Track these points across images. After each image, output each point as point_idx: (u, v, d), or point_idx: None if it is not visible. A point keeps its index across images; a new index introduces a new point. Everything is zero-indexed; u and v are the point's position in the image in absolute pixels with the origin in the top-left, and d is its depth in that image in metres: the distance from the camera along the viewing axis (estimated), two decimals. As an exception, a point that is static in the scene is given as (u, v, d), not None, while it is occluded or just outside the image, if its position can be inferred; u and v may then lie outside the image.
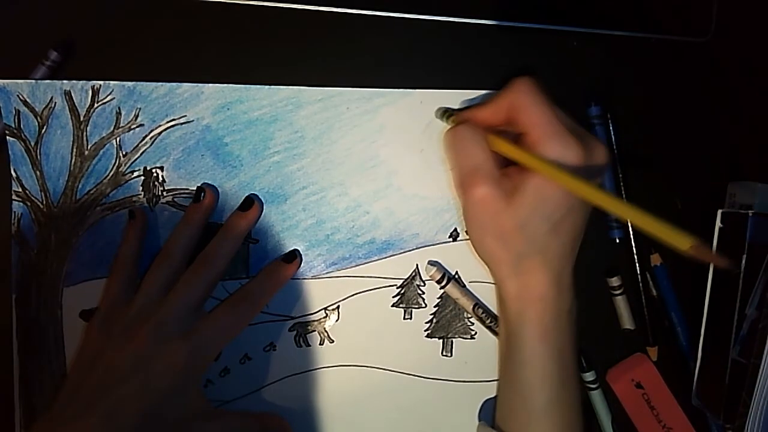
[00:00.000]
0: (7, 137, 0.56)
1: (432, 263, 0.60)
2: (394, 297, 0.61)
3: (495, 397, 0.61)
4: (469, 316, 0.61)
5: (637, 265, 0.61)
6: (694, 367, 0.60)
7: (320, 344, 0.60)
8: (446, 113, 0.58)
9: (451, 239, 0.60)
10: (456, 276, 0.61)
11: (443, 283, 0.60)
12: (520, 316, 0.53)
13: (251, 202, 0.57)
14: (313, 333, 0.60)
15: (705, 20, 0.61)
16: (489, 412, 0.61)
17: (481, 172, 0.52)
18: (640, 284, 0.61)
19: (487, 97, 0.59)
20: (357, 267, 0.60)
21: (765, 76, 0.62)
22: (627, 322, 0.62)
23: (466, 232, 0.60)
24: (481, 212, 0.52)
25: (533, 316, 0.53)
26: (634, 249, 0.61)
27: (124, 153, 0.57)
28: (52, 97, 0.56)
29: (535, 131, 0.50)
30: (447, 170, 0.60)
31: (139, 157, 0.57)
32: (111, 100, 0.57)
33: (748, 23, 0.61)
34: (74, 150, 0.57)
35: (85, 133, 0.57)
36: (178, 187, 0.58)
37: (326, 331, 0.60)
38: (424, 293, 0.61)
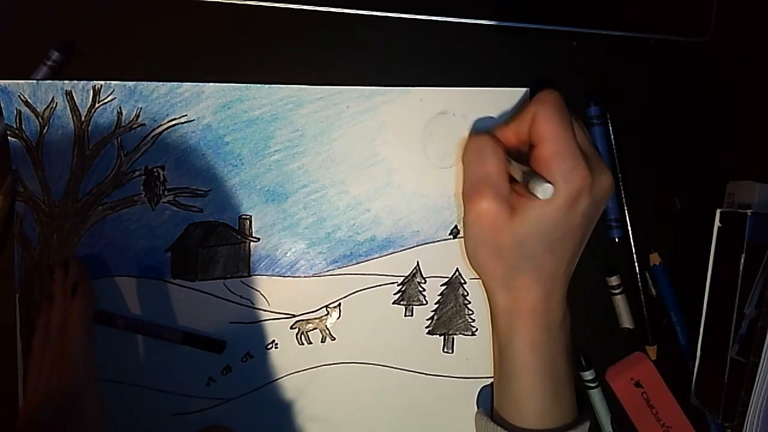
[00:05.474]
0: (9, 137, 0.56)
1: None
2: (395, 294, 0.61)
3: (492, 384, 0.61)
4: (470, 313, 0.61)
5: (636, 264, 0.61)
6: (693, 366, 0.60)
7: (322, 342, 0.60)
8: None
9: (451, 236, 0.61)
10: (456, 273, 0.61)
11: None
12: (510, 328, 0.54)
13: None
14: (315, 330, 0.60)
15: (705, 20, 0.61)
16: (486, 399, 0.62)
17: (490, 185, 0.52)
18: (639, 283, 0.62)
19: (486, 94, 0.59)
20: (358, 264, 0.60)
21: (764, 76, 0.62)
22: (626, 321, 0.62)
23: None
24: (481, 224, 0.52)
25: (523, 328, 0.53)
26: (633, 248, 0.61)
27: (125, 152, 0.57)
28: (53, 97, 0.56)
29: (546, 145, 0.50)
30: (451, 169, 0.60)
31: (140, 156, 0.58)
32: (112, 99, 0.57)
33: (748, 23, 0.61)
34: (75, 150, 0.57)
35: (86, 133, 0.57)
36: (180, 186, 0.58)
37: (328, 329, 0.60)
38: (425, 290, 0.61)
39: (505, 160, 0.53)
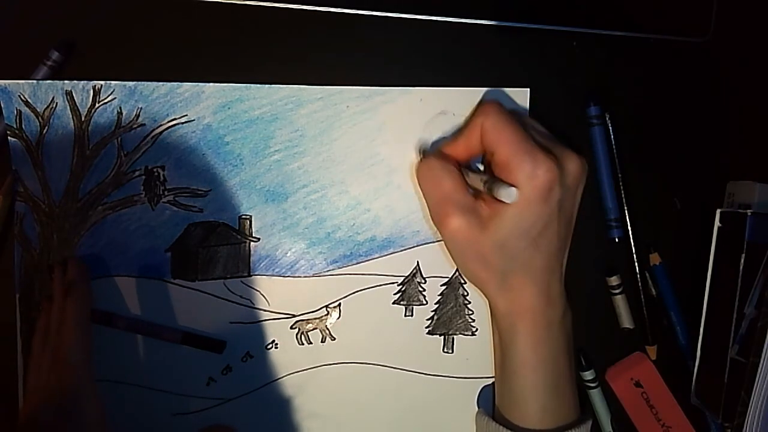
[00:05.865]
0: (9, 137, 0.56)
1: None
2: (395, 294, 0.61)
3: (493, 383, 0.61)
4: (470, 313, 0.61)
5: (636, 264, 0.61)
6: (693, 366, 0.60)
7: (322, 342, 0.60)
8: (422, 151, 0.59)
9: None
10: (456, 273, 0.61)
11: None
12: (511, 328, 0.54)
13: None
14: (315, 330, 0.60)
15: (705, 20, 0.61)
16: (487, 399, 0.62)
17: (453, 203, 0.52)
18: (639, 283, 0.62)
19: (486, 94, 0.59)
20: (358, 264, 0.60)
21: (764, 76, 0.62)
22: (626, 321, 0.62)
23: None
24: (458, 241, 0.53)
25: (523, 328, 0.53)
26: (633, 248, 0.61)
27: (125, 152, 0.57)
28: (53, 97, 0.56)
29: (503, 151, 0.50)
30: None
31: (140, 156, 0.58)
32: (112, 99, 0.57)
33: (748, 23, 0.61)
34: (76, 150, 0.57)
35: (86, 133, 0.57)
36: (180, 186, 0.58)
37: (328, 329, 0.60)
38: (425, 290, 0.61)
39: (459, 176, 0.53)
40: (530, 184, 0.49)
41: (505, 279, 0.53)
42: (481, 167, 0.58)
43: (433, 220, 0.55)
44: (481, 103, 0.54)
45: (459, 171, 0.54)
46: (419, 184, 0.57)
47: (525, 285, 0.52)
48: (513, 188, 0.48)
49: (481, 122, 0.51)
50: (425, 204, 0.59)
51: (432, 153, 0.57)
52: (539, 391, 0.54)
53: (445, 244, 0.55)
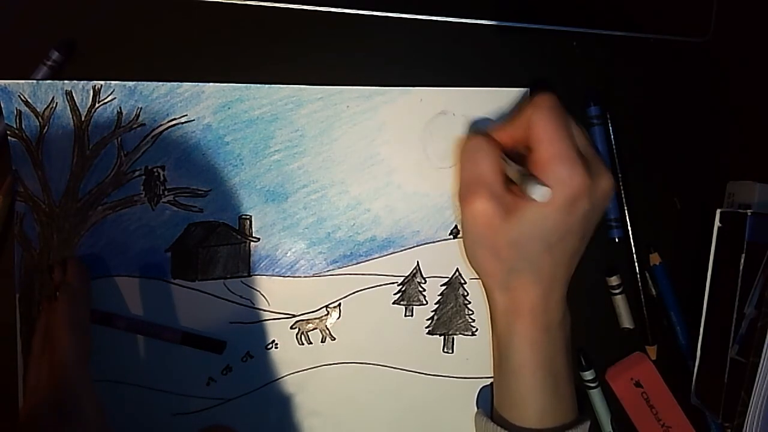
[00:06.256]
0: (9, 137, 0.56)
1: None
2: (395, 294, 0.61)
3: (492, 383, 0.61)
4: (470, 313, 0.61)
5: (636, 264, 0.61)
6: (693, 366, 0.60)
7: (322, 342, 0.61)
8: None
9: (451, 236, 0.61)
10: (456, 273, 0.61)
11: None
12: (509, 328, 0.54)
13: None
14: (315, 330, 0.60)
15: (705, 20, 0.61)
16: (486, 399, 0.62)
17: (485, 185, 0.51)
18: (639, 283, 0.62)
19: (486, 94, 0.59)
20: (358, 264, 0.60)
21: (764, 76, 0.62)
22: (626, 321, 0.62)
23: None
24: (477, 224, 0.52)
25: (522, 328, 0.53)
26: (633, 248, 0.61)
27: (125, 152, 0.57)
28: (53, 97, 0.56)
29: (543, 149, 0.49)
30: (451, 169, 0.60)
31: (140, 156, 0.58)
32: (112, 99, 0.57)
33: (748, 23, 0.61)
34: (76, 150, 0.57)
35: (86, 133, 0.57)
36: (180, 186, 0.58)
37: (328, 329, 0.60)
38: (425, 290, 0.61)
39: (499, 161, 0.52)
40: (561, 190, 0.48)
41: (510, 276, 0.52)
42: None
43: (459, 196, 0.54)
44: (536, 94, 0.53)
45: (500, 156, 0.53)
46: (459, 158, 0.56)
47: (529, 287, 0.52)
48: (546, 188, 0.47)
49: (531, 113, 0.51)
50: (426, 204, 0.59)
51: (479, 132, 0.56)
52: (537, 392, 0.54)
53: (462, 225, 0.55)
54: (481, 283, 0.57)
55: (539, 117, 0.50)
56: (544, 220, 0.49)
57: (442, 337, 0.61)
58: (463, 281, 0.61)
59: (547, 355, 0.53)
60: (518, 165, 0.51)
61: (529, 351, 0.53)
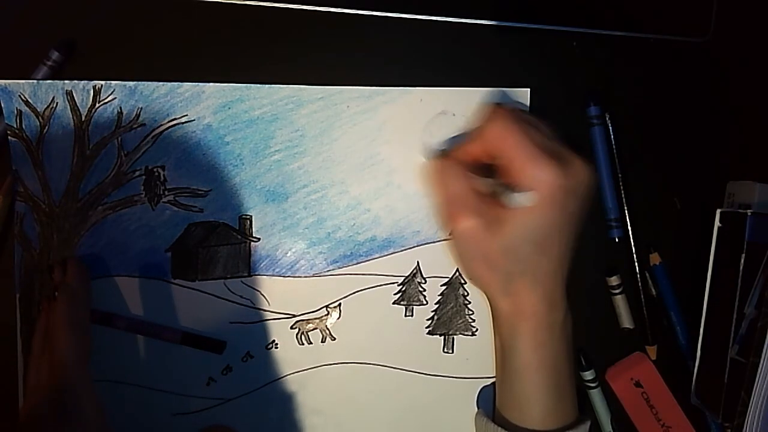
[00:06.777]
0: (9, 137, 0.56)
1: None
2: (395, 294, 0.61)
3: (493, 384, 0.61)
4: (471, 313, 0.61)
5: (636, 264, 0.61)
6: (693, 366, 0.60)
7: (322, 342, 0.61)
8: (431, 153, 0.59)
9: (451, 236, 0.60)
10: (456, 273, 0.61)
11: None
12: (513, 331, 0.54)
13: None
14: (315, 331, 0.60)
15: (705, 20, 0.61)
16: (487, 399, 0.62)
17: (463, 205, 0.52)
18: (639, 283, 0.62)
19: (486, 94, 0.59)
20: (358, 265, 0.60)
21: (764, 76, 0.62)
22: (626, 321, 0.62)
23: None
24: (466, 242, 0.53)
25: (525, 331, 0.53)
26: (633, 248, 0.61)
27: (125, 152, 0.57)
28: (53, 97, 0.56)
29: (507, 158, 0.50)
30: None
31: (140, 156, 0.58)
32: (112, 99, 0.57)
33: (748, 23, 0.61)
34: (76, 150, 0.57)
35: (86, 133, 0.57)
36: (180, 186, 0.58)
37: (328, 329, 0.60)
38: (425, 290, 0.61)
39: (467, 178, 0.53)
40: (537, 191, 0.49)
41: (509, 282, 0.52)
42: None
43: (442, 221, 0.56)
44: (482, 107, 0.54)
45: (467, 173, 0.53)
46: (430, 186, 0.56)
47: (529, 288, 0.52)
48: (528, 193, 0.48)
49: (484, 128, 0.51)
50: (427, 204, 0.59)
51: (441, 155, 0.57)
52: (541, 393, 0.54)
53: (453, 247, 0.55)
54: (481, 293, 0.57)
55: (492, 129, 0.51)
56: (530, 222, 0.50)
57: (442, 337, 0.61)
58: (463, 281, 0.61)
59: (550, 354, 0.53)
60: (488, 178, 0.53)
61: (532, 351, 0.53)
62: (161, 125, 0.58)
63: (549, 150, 0.50)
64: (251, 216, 0.59)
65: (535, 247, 0.51)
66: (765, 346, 0.53)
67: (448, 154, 0.56)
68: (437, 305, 0.61)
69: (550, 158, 0.49)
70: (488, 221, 0.51)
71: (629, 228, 0.61)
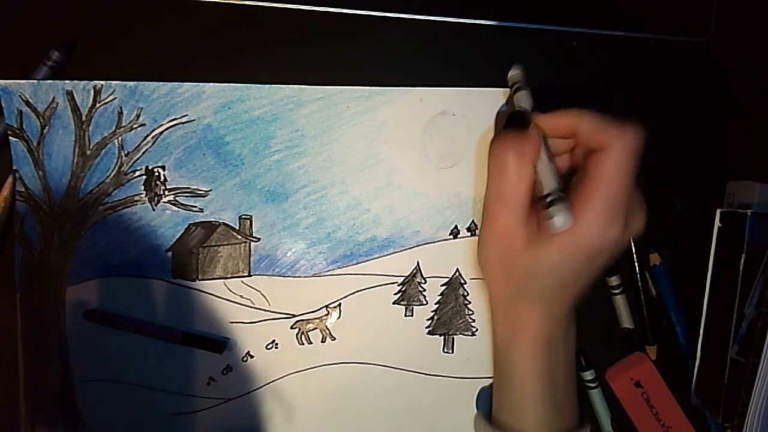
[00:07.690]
0: (10, 137, 0.56)
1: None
2: (395, 294, 0.61)
3: (491, 384, 0.61)
4: (471, 313, 0.61)
5: (636, 264, 0.61)
6: (693, 366, 0.60)
7: (322, 342, 0.61)
8: (515, 86, 0.55)
9: (451, 236, 0.61)
10: (456, 273, 0.61)
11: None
12: (509, 343, 0.54)
13: None
14: (315, 330, 0.60)
15: (705, 20, 0.61)
16: (486, 399, 0.62)
17: (511, 204, 0.50)
18: (639, 283, 0.62)
19: (486, 94, 0.59)
20: (358, 264, 0.60)
21: (764, 76, 0.62)
22: (626, 321, 0.62)
23: (476, 231, 0.60)
24: (497, 239, 0.51)
25: (523, 344, 0.53)
26: (633, 248, 0.61)
27: (125, 152, 0.57)
28: (54, 97, 0.56)
29: (596, 186, 0.47)
30: (451, 169, 0.60)
31: (140, 156, 0.58)
32: (113, 99, 0.57)
33: (748, 23, 0.61)
34: (76, 150, 0.57)
35: (87, 133, 0.57)
36: (180, 186, 0.58)
37: (328, 329, 0.60)
38: (425, 290, 0.61)
39: (530, 174, 0.49)
40: (589, 238, 0.47)
41: (518, 299, 0.52)
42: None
43: (485, 200, 0.52)
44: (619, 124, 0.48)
45: (532, 163, 0.49)
46: (490, 163, 0.52)
47: (534, 311, 0.52)
48: (565, 218, 0.46)
49: (611, 140, 0.47)
50: (426, 204, 0.59)
51: (521, 120, 0.53)
52: (537, 402, 0.53)
53: (481, 232, 0.54)
54: (481, 284, 0.57)
55: (617, 151, 0.46)
56: (565, 262, 0.48)
57: (442, 337, 0.61)
58: (463, 281, 0.61)
59: (547, 367, 0.53)
60: (552, 173, 0.49)
61: (529, 364, 0.53)
62: (161, 125, 0.58)
63: (628, 202, 0.48)
64: (251, 216, 0.59)
65: (558, 282, 0.50)
66: (765, 346, 0.53)
67: (529, 119, 0.52)
68: (437, 305, 0.61)
69: (622, 218, 0.47)
70: (527, 234, 0.49)
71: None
